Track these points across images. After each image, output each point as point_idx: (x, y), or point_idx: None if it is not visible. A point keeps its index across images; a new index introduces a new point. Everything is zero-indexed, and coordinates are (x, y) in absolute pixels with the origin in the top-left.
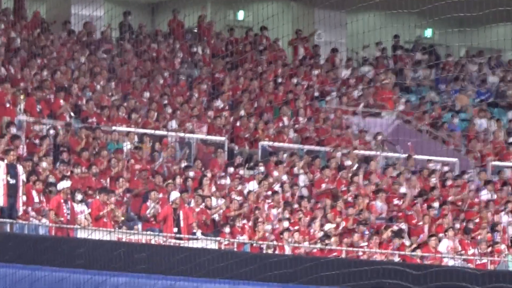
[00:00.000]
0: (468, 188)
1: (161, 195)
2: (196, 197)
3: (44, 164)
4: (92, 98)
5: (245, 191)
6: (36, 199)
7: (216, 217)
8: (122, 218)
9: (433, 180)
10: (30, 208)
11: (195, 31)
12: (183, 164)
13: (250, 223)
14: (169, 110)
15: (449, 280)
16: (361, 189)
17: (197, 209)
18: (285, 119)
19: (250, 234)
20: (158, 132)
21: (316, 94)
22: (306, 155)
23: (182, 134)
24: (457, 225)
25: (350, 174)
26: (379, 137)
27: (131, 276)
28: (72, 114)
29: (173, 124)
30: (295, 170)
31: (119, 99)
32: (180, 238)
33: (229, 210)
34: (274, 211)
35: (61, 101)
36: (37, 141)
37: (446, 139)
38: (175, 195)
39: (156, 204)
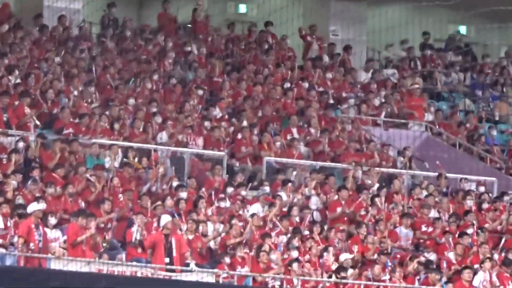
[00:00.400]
0: (509, 212)
1: (148, 219)
2: (190, 222)
3: (12, 183)
4: (68, 106)
5: (247, 215)
6: (1, 225)
7: (212, 245)
8: (104, 245)
9: (468, 202)
10: None
11: (189, 26)
12: (175, 183)
13: (253, 253)
14: (159, 120)
15: None
16: (383, 213)
17: (191, 236)
18: (294, 130)
19: (252, 266)
20: (145, 146)
21: (331, 101)
22: (319, 173)
23: (173, 148)
24: (495, 256)
25: (370, 196)
26: (406, 153)
27: None
28: (37, 123)
29: (164, 136)
30: (306, 190)
31: (100, 107)
32: (172, 270)
33: (228, 237)
34: (281, 239)
35: (26, 108)
36: (3, 155)
37: (483, 155)
38: (166, 219)
39: (142, 229)
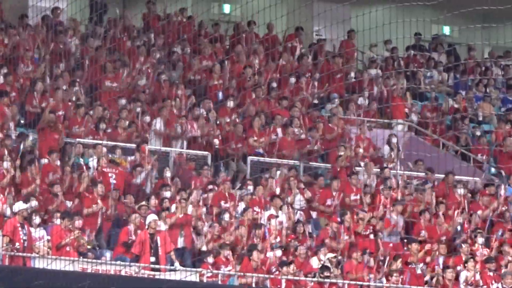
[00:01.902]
0: (498, 201)
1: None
2: (181, 202)
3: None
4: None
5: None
6: None
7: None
8: (89, 247)
9: (459, 191)
10: None
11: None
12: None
13: (243, 252)
14: (147, 119)
15: None
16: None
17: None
18: (279, 130)
19: (243, 265)
20: (129, 145)
21: (315, 101)
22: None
23: (157, 147)
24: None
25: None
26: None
27: None
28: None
29: (158, 122)
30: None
31: (84, 105)
32: (157, 270)
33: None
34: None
35: (5, 108)
36: None
37: (466, 155)
38: (151, 218)
39: (137, 229)
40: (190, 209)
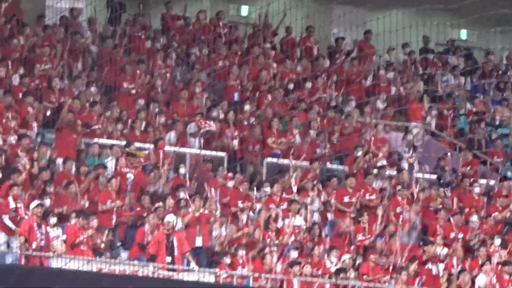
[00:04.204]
0: None
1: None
2: (198, 199)
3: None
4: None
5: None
6: (13, 205)
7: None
8: (102, 246)
9: (476, 189)
10: None
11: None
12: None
13: (253, 254)
14: (162, 120)
15: None
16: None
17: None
18: (295, 132)
19: (254, 267)
20: (147, 146)
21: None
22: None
23: (174, 148)
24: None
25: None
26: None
27: None
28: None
29: (172, 136)
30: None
31: (101, 107)
32: (173, 270)
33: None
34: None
35: (29, 108)
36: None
37: (484, 158)
38: (168, 218)
39: (154, 230)
40: (206, 209)
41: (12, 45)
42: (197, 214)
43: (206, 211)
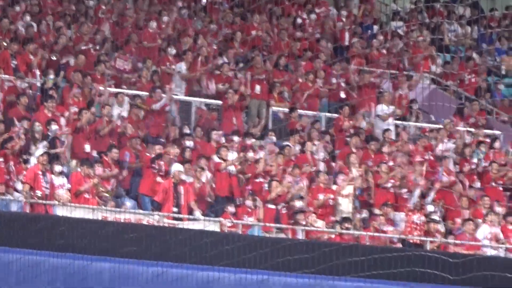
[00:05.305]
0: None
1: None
2: (198, 170)
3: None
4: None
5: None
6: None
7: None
8: (107, 195)
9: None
10: None
11: None
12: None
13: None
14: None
15: (490, 270)
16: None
17: (198, 185)
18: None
19: (258, 216)
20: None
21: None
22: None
23: (181, 97)
24: (498, 208)
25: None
26: (414, 106)
27: (117, 261)
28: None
29: (182, 66)
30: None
31: (108, 55)
32: (179, 219)
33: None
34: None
35: (31, 56)
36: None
37: (489, 108)
38: (176, 167)
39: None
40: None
41: None
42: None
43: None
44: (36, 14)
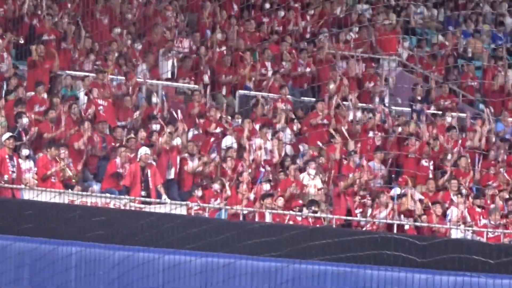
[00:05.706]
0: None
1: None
2: (168, 135)
3: None
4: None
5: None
6: None
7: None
8: (74, 180)
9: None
10: None
11: None
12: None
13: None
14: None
15: (457, 252)
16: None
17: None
18: (268, 64)
19: (231, 197)
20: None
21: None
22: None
23: (148, 81)
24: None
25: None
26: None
27: (85, 245)
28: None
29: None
30: (278, 125)
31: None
32: (146, 203)
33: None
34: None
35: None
36: None
37: (456, 90)
38: (143, 150)
39: (125, 161)
40: (178, 140)
41: None
42: (167, 147)
43: (178, 143)
44: None
